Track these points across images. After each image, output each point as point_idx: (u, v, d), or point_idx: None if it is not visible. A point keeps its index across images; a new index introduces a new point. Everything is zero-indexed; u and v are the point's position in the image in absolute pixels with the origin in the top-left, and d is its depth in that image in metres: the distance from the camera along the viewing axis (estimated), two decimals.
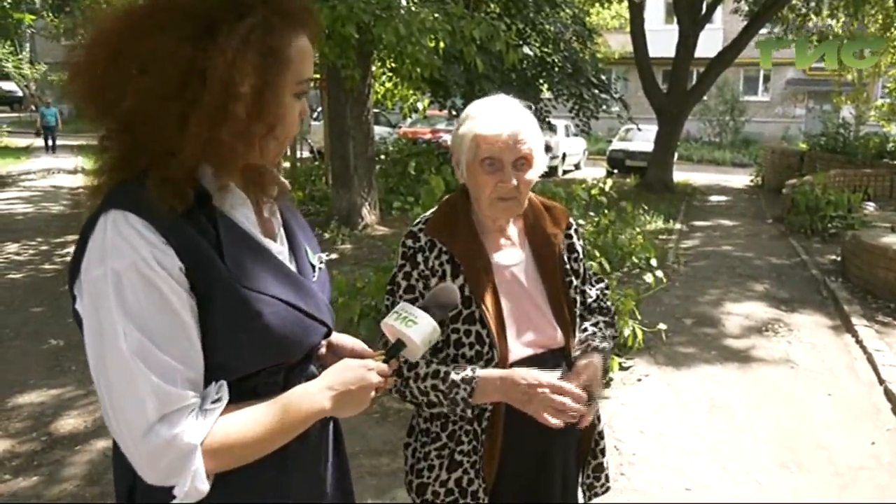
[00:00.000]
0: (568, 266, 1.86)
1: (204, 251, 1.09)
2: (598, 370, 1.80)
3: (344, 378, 1.23)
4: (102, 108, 1.11)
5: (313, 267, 1.34)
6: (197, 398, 1.07)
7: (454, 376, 1.67)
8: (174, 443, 1.02)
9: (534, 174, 1.76)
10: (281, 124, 1.16)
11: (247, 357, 1.15)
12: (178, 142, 1.07)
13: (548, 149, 1.88)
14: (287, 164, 12.87)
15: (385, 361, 1.33)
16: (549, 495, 1.83)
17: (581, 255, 1.93)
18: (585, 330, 1.90)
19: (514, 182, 1.71)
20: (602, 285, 2.06)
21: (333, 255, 8.38)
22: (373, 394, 1.26)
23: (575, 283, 1.87)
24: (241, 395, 1.14)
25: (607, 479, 1.98)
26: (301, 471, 1.28)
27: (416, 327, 1.35)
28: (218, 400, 1.10)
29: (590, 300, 1.97)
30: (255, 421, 1.12)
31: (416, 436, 1.87)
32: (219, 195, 1.16)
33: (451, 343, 1.76)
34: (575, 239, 1.92)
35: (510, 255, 1.81)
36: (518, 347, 1.75)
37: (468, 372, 1.67)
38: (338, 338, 1.45)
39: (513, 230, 1.84)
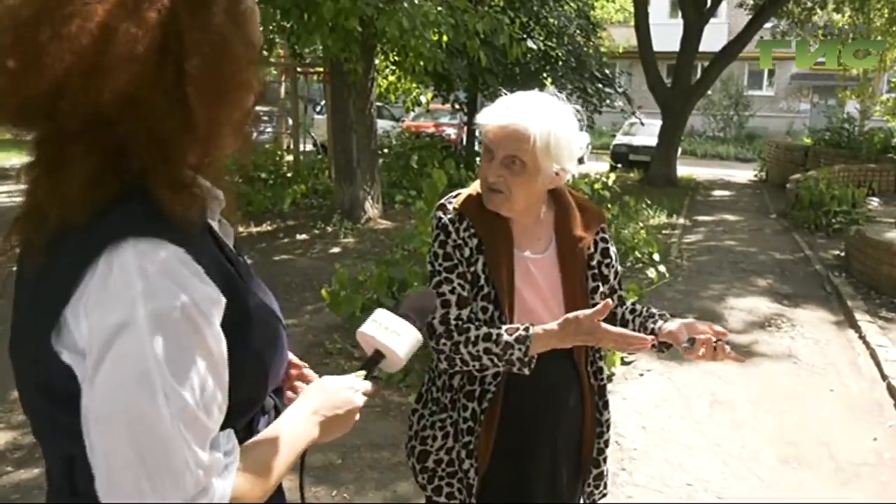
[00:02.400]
0: (596, 271, 1.84)
1: (231, 275, 0.96)
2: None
3: (330, 402, 1.13)
4: (42, 108, 0.85)
5: None
6: (222, 458, 0.93)
7: (507, 337, 1.65)
8: None
9: (531, 176, 1.69)
10: (261, 91, 1.01)
11: (268, 385, 1.06)
12: (174, 128, 0.88)
13: None
14: (290, 158, 12.86)
15: (366, 378, 1.23)
16: (532, 487, 1.83)
17: (614, 262, 1.90)
18: (635, 310, 1.90)
19: (500, 177, 1.68)
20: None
21: (336, 249, 8.38)
22: (357, 416, 1.18)
23: (602, 289, 1.85)
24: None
25: (606, 486, 2.00)
26: None
27: (399, 339, 1.25)
28: (230, 451, 0.96)
29: (626, 308, 1.93)
30: (263, 466, 1.00)
31: (426, 403, 1.91)
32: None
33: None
34: (609, 244, 1.89)
35: (532, 249, 1.80)
36: None
37: (521, 331, 1.65)
38: None
39: (542, 225, 1.83)
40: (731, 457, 3.85)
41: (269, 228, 9.50)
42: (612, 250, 1.90)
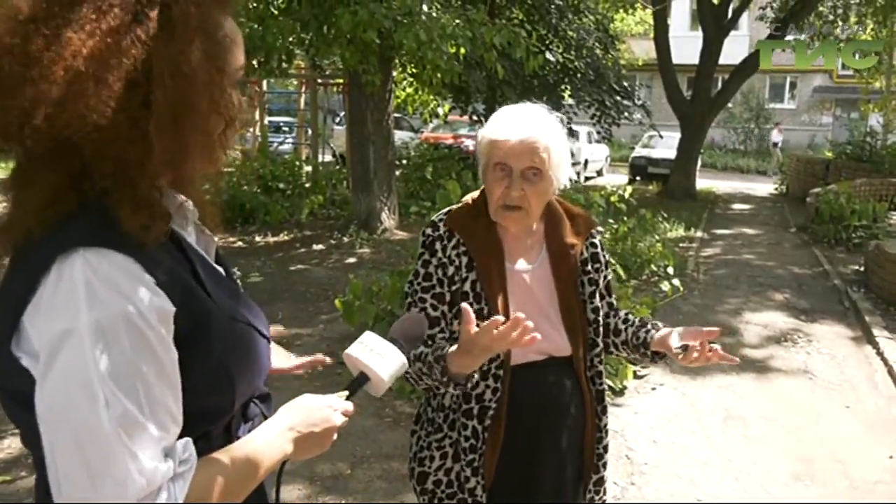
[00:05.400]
0: (587, 277, 1.84)
1: (189, 286, 0.98)
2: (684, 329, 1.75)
3: (308, 419, 1.12)
4: (12, 131, 0.89)
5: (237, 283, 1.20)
6: (172, 467, 0.92)
7: (430, 357, 1.63)
8: None
9: (548, 187, 1.72)
10: (237, 116, 1.03)
11: (236, 395, 1.06)
12: (138, 153, 0.91)
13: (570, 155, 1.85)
14: (309, 168, 12.96)
15: (348, 398, 1.22)
16: (538, 497, 1.82)
17: (604, 266, 1.90)
18: (627, 320, 1.90)
19: (521, 192, 1.68)
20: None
21: (352, 259, 8.43)
22: (335, 436, 1.16)
23: (595, 294, 1.85)
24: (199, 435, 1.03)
25: (605, 493, 1.99)
26: None
27: (382, 361, 1.25)
28: (186, 460, 0.95)
29: (619, 317, 1.93)
30: (227, 477, 0.99)
31: (422, 424, 1.90)
32: (175, 213, 1.03)
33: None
34: (599, 249, 1.89)
35: (525, 260, 1.80)
36: (520, 351, 1.73)
37: (439, 351, 1.62)
38: None
39: (532, 235, 1.83)
40: (743, 473, 3.82)
41: (287, 238, 9.57)
42: (602, 255, 1.90)
